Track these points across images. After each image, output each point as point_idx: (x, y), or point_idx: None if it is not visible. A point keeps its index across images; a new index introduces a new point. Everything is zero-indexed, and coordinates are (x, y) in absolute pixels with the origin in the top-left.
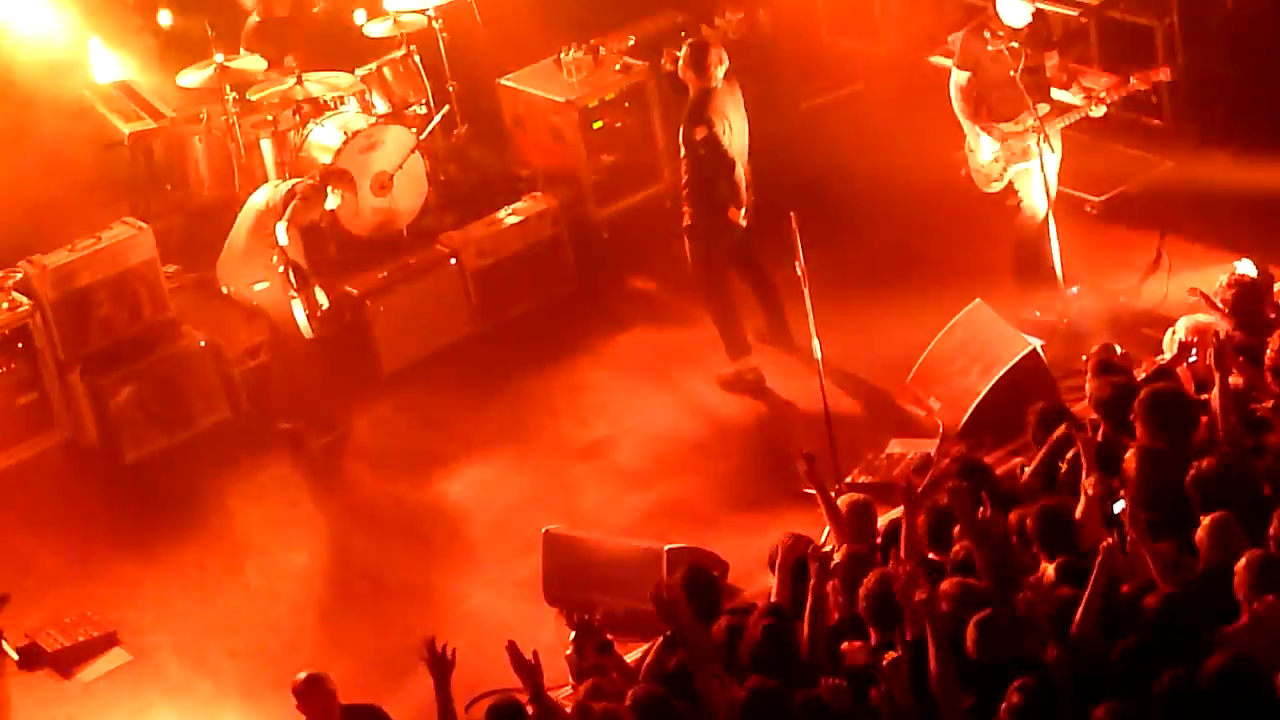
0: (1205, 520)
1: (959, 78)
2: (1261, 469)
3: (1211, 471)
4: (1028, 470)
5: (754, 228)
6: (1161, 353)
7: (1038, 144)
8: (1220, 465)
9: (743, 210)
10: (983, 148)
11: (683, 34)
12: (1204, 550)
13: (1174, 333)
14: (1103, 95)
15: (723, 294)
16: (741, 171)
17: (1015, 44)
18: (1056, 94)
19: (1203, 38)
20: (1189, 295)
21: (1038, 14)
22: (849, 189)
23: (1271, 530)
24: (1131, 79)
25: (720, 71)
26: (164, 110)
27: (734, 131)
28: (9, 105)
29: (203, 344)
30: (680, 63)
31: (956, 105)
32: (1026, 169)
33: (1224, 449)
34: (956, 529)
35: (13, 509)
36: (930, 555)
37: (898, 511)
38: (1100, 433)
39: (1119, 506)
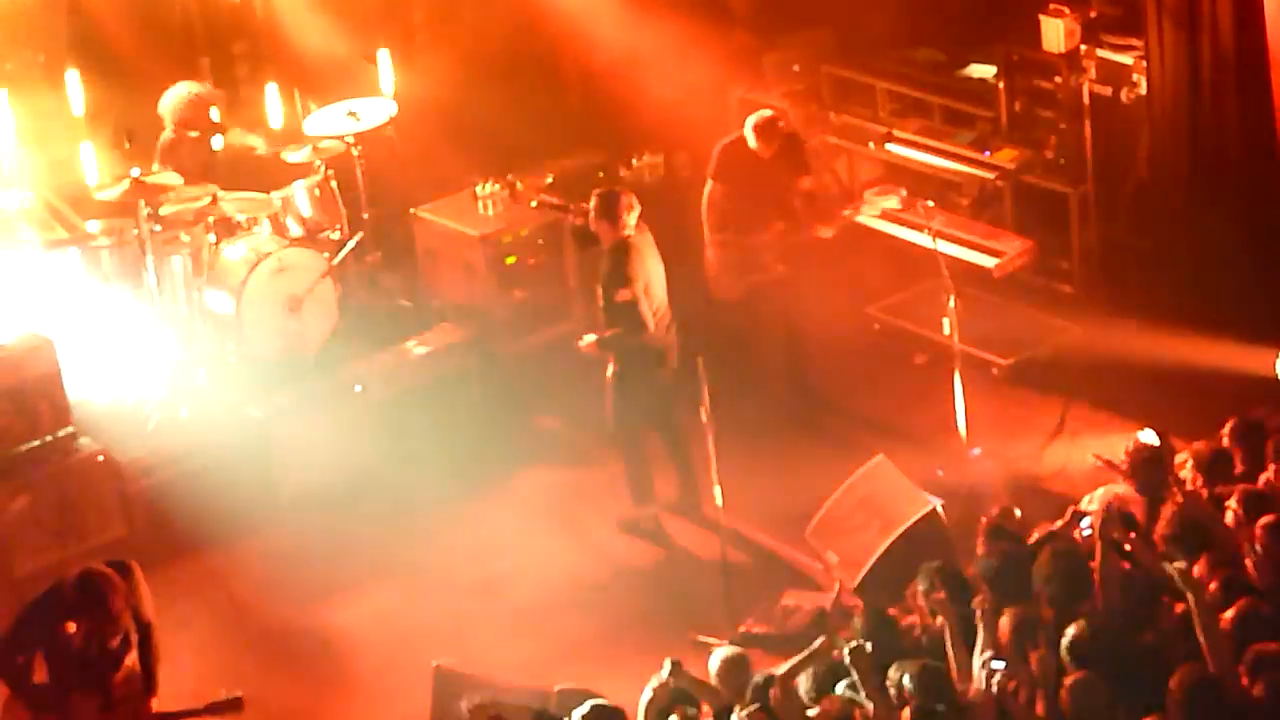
0: (1068, 680)
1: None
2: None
3: (1081, 635)
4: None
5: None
6: (1062, 518)
7: None
8: (1090, 629)
9: (671, 356)
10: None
11: (600, 174)
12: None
13: (1091, 499)
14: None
15: (638, 445)
16: (664, 316)
17: None
18: None
19: (1115, 208)
20: (1093, 460)
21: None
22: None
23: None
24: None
25: (632, 218)
26: (78, 223)
27: (654, 280)
28: None
29: (100, 458)
30: (591, 214)
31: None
32: None
33: (1099, 616)
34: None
35: None
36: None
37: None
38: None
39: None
